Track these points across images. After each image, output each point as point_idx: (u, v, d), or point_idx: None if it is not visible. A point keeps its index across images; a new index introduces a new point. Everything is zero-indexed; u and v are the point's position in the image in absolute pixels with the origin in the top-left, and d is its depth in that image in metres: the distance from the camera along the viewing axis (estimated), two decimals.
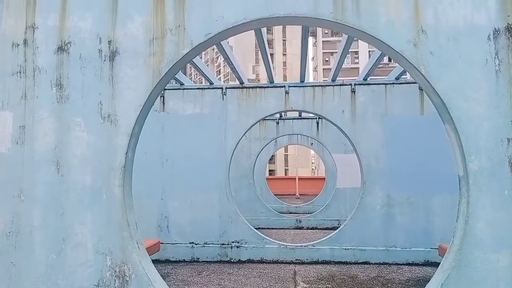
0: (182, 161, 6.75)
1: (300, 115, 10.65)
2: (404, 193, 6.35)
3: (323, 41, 42.05)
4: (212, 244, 6.57)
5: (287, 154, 66.19)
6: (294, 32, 70.69)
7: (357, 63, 46.65)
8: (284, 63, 66.59)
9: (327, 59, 42.01)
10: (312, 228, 10.40)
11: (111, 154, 2.72)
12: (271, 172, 59.32)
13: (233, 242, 6.55)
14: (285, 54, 69.08)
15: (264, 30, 5.10)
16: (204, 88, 6.92)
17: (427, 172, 6.31)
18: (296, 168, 25.76)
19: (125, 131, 2.73)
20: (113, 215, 2.69)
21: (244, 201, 10.57)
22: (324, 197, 14.37)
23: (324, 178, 29.32)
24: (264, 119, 10.77)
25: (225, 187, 6.63)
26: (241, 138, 6.81)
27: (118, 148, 2.72)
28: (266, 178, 15.16)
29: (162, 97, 6.92)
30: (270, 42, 69.14)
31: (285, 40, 71.56)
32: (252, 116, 6.77)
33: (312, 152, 72.71)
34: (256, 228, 10.60)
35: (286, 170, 64.61)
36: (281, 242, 6.65)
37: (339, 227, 10.38)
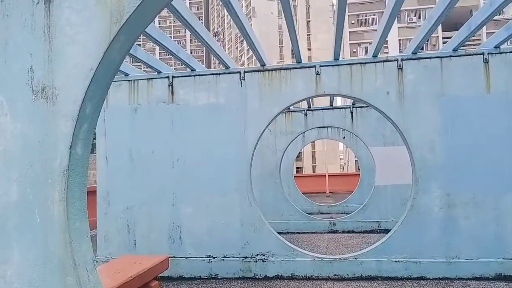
0: (196, 160, 5.74)
1: (331, 105, 9.46)
2: (469, 191, 5.10)
3: (349, 31, 40.28)
4: (233, 257, 5.52)
5: (315, 151, 64.72)
6: (318, 26, 69.21)
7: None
8: (309, 58, 65.01)
9: (354, 50, 40.18)
10: (349, 232, 9.20)
11: (48, 150, 1.69)
12: (298, 169, 58.00)
13: (257, 254, 5.48)
14: (310, 49, 67.54)
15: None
16: (219, 74, 5.87)
17: (496, 164, 5.04)
18: (326, 165, 24.40)
19: (69, 112, 1.70)
20: (51, 248, 1.66)
21: (270, 202, 9.50)
22: (359, 196, 13.13)
23: (357, 175, 27.99)
24: (289, 110, 9.67)
25: (246, 189, 5.56)
26: (264, 130, 5.71)
27: (58, 140, 1.69)
28: (294, 176, 14.01)
29: (170, 86, 5.93)
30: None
31: (309, 35, 70.04)
32: (276, 103, 5.66)
33: (341, 147, 71.27)
34: (285, 233, 9.55)
35: (314, 167, 63.10)
36: (315, 254, 5.51)
37: (379, 229, 9.17)
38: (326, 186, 22.48)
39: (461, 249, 5.06)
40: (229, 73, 5.84)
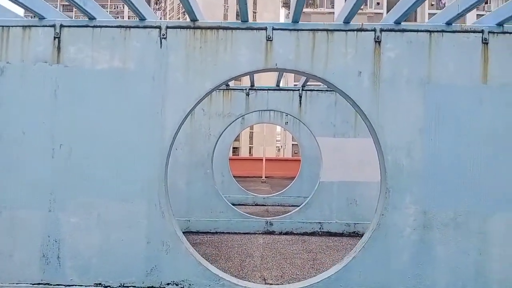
0: (87, 149, 4.00)
1: (277, 85, 8.04)
2: (450, 209, 3.96)
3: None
4: (134, 287, 3.93)
5: (253, 132, 63.89)
6: (264, 3, 67.28)
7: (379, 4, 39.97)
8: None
9: None
10: (287, 233, 7.98)
11: None
12: (235, 150, 56.81)
13: (169, 284, 3.94)
14: (255, 12, 65.32)
15: None
16: (130, 27, 4.11)
17: (487, 176, 3.93)
18: (264, 148, 23.30)
19: None
20: None
21: (198, 197, 7.96)
22: (298, 187, 12.09)
23: (294, 160, 27.37)
24: (228, 87, 8.08)
25: (158, 193, 3.95)
26: (189, 112, 4.11)
27: None
28: (229, 159, 12.56)
29: (57, 40, 4.06)
30: (239, 15, 65.31)
31: (255, 12, 67.95)
32: (209, 76, 4.06)
33: (278, 129, 71.39)
34: (213, 233, 8.10)
35: (250, 148, 62.33)
36: (248, 284, 4.08)
37: (320, 232, 8.06)
38: (262, 171, 21.39)
39: (437, 282, 3.94)
40: (144, 27, 4.10)
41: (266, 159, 22.16)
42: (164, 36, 4.06)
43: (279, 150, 66.21)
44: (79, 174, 3.96)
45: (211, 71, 4.06)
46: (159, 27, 4.08)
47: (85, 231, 3.96)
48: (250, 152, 58.04)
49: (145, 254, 3.94)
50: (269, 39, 4.00)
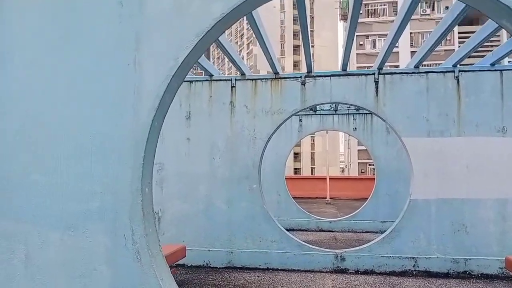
0: (7, 137, 2.26)
1: (344, 69, 5.96)
2: None
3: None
4: None
5: (314, 152, 61.26)
6: (322, 22, 65.83)
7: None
8: (312, 55, 61.64)
9: (361, 43, 36.47)
10: (366, 273, 5.72)
11: None
12: (296, 172, 54.36)
13: None
14: (313, 46, 63.84)
15: None
16: None
17: None
18: (327, 166, 20.95)
19: None
20: None
21: (243, 219, 6.02)
22: (373, 208, 9.72)
23: (361, 179, 24.60)
24: (278, 75, 6.16)
25: (130, 215, 2.08)
26: (187, 62, 2.23)
27: None
28: (286, 178, 10.52)
29: None
30: (296, 34, 64.34)
31: (313, 31, 66.45)
32: None
33: (341, 149, 68.03)
34: (263, 269, 6.05)
35: (312, 169, 59.56)
36: None
37: (415, 271, 5.69)
38: (326, 191, 19.00)
39: None
40: None
41: (330, 178, 19.73)
42: None
43: (343, 171, 62.55)
44: None
45: None
46: None
47: (3, 284, 2.17)
48: (312, 173, 55.27)
49: None
50: None
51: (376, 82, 5.89)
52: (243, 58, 62.82)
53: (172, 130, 6.25)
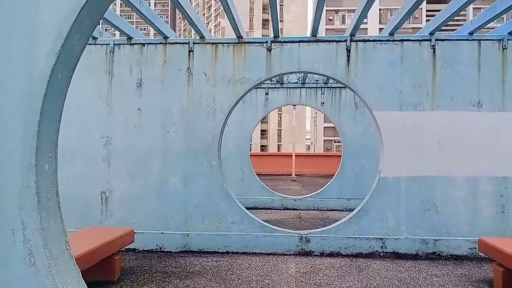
0: None
1: (313, 35, 5.42)
2: None
3: None
4: None
5: (281, 129, 61.26)
6: None
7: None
8: (281, 30, 61.04)
9: (331, 18, 35.92)
10: (332, 255, 5.37)
11: None
12: (262, 148, 54.15)
13: None
14: (282, 21, 62.71)
15: None
16: None
17: None
18: (293, 143, 20.68)
19: None
20: None
21: (200, 199, 5.48)
22: (339, 185, 9.45)
23: (327, 156, 24.63)
24: (241, 39, 5.53)
25: (19, 200, 1.47)
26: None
27: None
28: (250, 155, 10.04)
29: None
30: (265, 8, 62.85)
31: (282, 5, 65.09)
32: None
33: (308, 126, 68.50)
34: (224, 254, 5.30)
35: (279, 146, 59.65)
36: None
37: (382, 253, 5.41)
38: (292, 168, 18.75)
39: None
40: None
41: (296, 155, 19.49)
42: None
43: (308, 148, 63.00)
44: None
45: None
46: None
47: None
48: (278, 150, 55.30)
49: None
50: None
51: (348, 50, 5.40)
52: (210, 31, 60.83)
53: (120, 100, 5.54)
